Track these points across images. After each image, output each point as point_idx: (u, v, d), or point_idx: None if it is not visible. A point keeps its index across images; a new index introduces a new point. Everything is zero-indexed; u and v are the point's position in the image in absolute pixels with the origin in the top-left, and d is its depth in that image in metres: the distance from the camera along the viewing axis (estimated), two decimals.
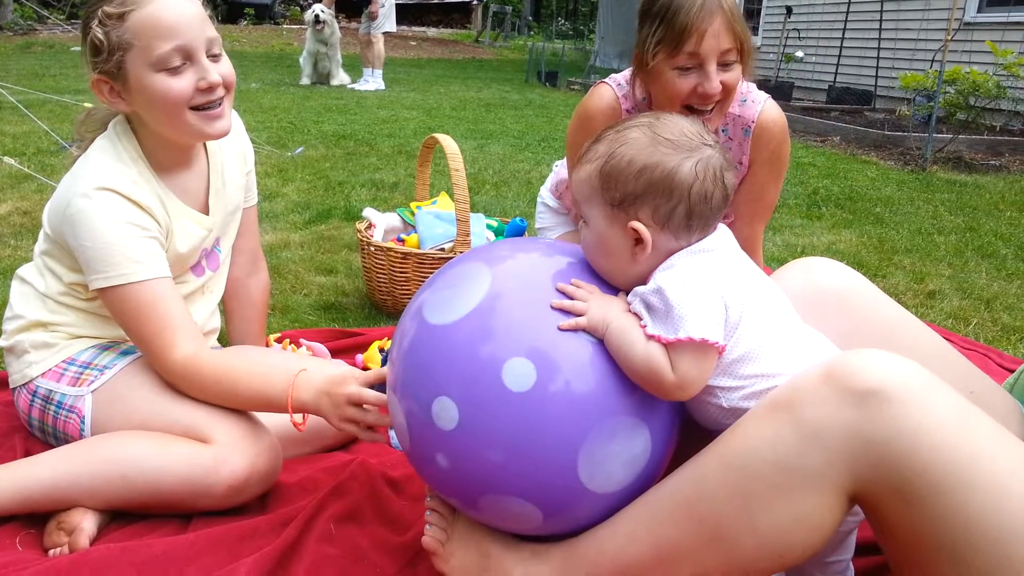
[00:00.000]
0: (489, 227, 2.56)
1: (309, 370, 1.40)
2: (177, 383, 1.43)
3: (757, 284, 1.14)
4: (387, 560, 1.35)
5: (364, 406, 1.33)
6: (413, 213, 2.53)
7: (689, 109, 1.72)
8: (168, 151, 1.51)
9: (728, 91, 1.70)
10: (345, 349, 2.12)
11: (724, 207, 1.12)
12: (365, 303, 2.55)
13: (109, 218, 1.39)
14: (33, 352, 1.52)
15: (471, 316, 1.09)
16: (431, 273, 2.27)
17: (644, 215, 1.09)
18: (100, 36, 1.37)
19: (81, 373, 1.49)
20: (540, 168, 4.92)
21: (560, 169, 2.26)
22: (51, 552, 1.34)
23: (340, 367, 1.58)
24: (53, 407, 1.49)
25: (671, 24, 1.66)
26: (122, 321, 1.44)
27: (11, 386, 1.58)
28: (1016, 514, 0.86)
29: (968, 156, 5.94)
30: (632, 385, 1.07)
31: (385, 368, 1.31)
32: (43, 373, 1.51)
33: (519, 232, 2.46)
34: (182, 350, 1.40)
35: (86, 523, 1.35)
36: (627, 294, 1.12)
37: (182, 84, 1.39)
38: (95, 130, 1.54)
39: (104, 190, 1.40)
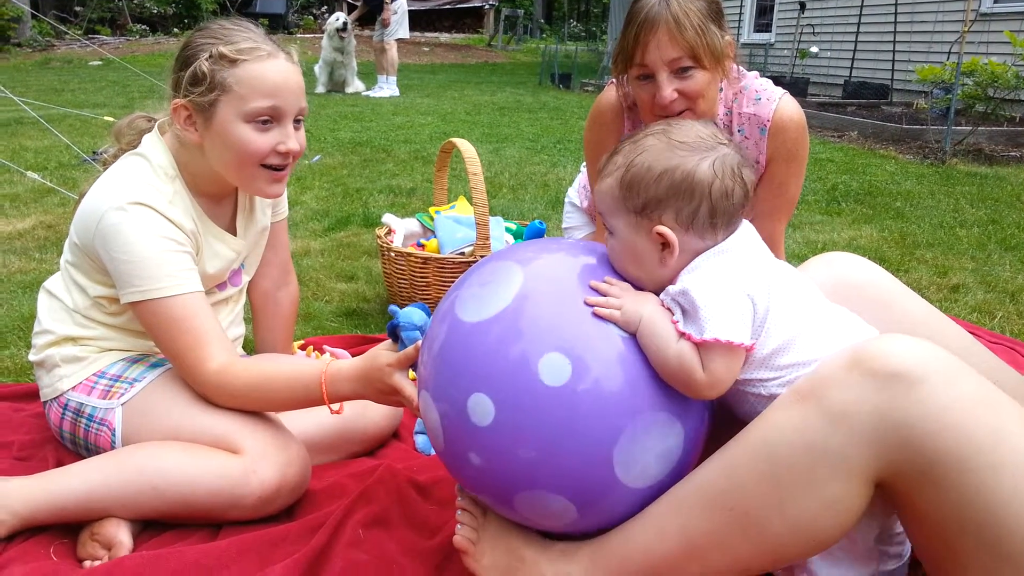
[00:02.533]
0: (508, 231, 2.57)
1: (337, 363, 1.41)
2: (212, 394, 1.44)
3: (783, 275, 1.14)
4: (416, 564, 1.36)
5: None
6: (432, 218, 2.54)
7: (663, 118, 1.74)
8: (213, 183, 1.55)
9: (691, 98, 1.69)
10: None
11: (746, 202, 1.13)
12: (386, 308, 2.56)
13: (144, 232, 1.41)
14: (64, 366, 1.54)
15: (505, 313, 1.10)
16: (451, 277, 2.30)
17: (668, 219, 1.10)
18: (205, 70, 1.42)
19: (111, 386, 1.51)
20: (556, 170, 4.92)
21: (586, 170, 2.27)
22: (86, 564, 1.35)
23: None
24: (84, 420, 1.51)
25: (625, 36, 1.70)
26: (155, 334, 1.45)
27: (42, 399, 1.60)
28: None
29: (988, 148, 5.88)
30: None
31: (417, 346, 1.31)
32: (74, 387, 1.52)
33: (538, 235, 2.46)
34: (215, 362, 1.42)
35: (123, 536, 1.36)
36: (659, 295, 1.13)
37: (264, 141, 1.45)
38: (132, 138, 1.57)
39: (139, 205, 1.42)
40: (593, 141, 2.00)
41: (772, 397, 1.07)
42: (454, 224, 2.42)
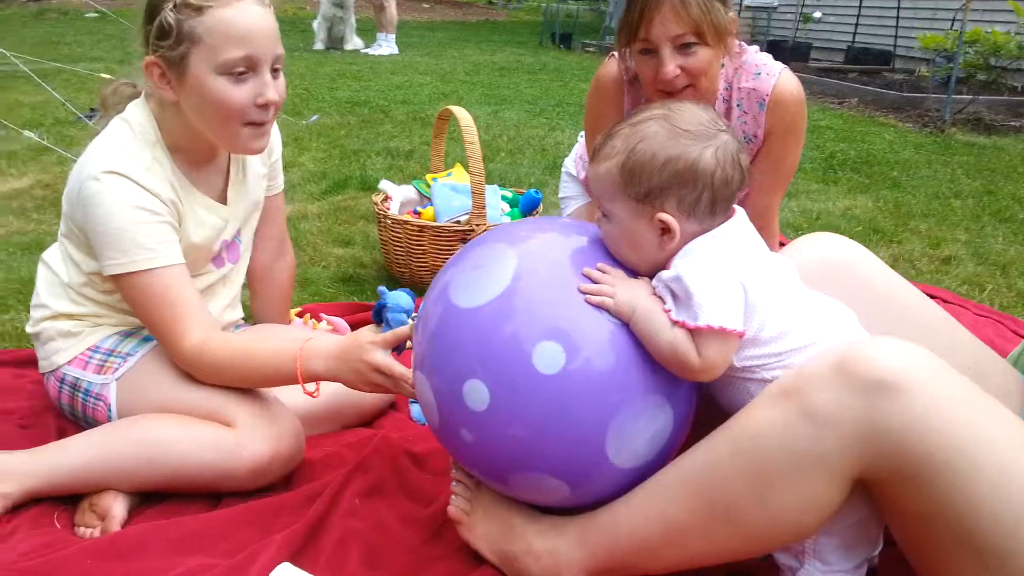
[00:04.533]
0: (504, 199, 2.58)
1: (316, 339, 1.41)
2: (189, 369, 1.45)
3: (771, 262, 1.16)
4: (412, 532, 1.40)
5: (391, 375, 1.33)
6: (429, 185, 2.54)
7: (665, 93, 1.74)
8: (196, 143, 1.51)
9: (694, 75, 1.70)
10: (365, 322, 2.15)
11: (743, 187, 1.15)
12: (383, 274, 2.58)
13: (118, 203, 1.38)
14: (59, 340, 1.55)
15: (499, 299, 1.12)
16: (447, 246, 2.31)
17: (670, 206, 1.11)
18: (171, 21, 1.36)
19: (105, 361, 1.53)
20: (555, 134, 4.90)
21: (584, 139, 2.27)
22: (80, 530, 1.39)
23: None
24: (81, 394, 1.54)
25: (629, 10, 1.69)
26: (134, 308, 1.46)
27: (40, 371, 1.62)
28: (1015, 493, 0.89)
29: (988, 117, 5.86)
30: (656, 364, 1.11)
31: (403, 329, 1.34)
32: (69, 361, 1.54)
33: (534, 204, 2.47)
34: (193, 337, 1.42)
35: (117, 508, 1.39)
36: (651, 278, 1.15)
37: (241, 94, 1.40)
38: (118, 105, 1.53)
39: (113, 174, 1.39)
40: (593, 114, 2.00)
41: (763, 381, 1.10)
42: (451, 192, 2.42)
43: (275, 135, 1.73)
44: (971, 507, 0.90)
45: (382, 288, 1.39)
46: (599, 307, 1.10)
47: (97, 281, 1.51)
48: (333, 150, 4.30)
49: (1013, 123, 5.75)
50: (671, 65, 1.68)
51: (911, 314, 1.29)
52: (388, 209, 2.48)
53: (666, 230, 1.12)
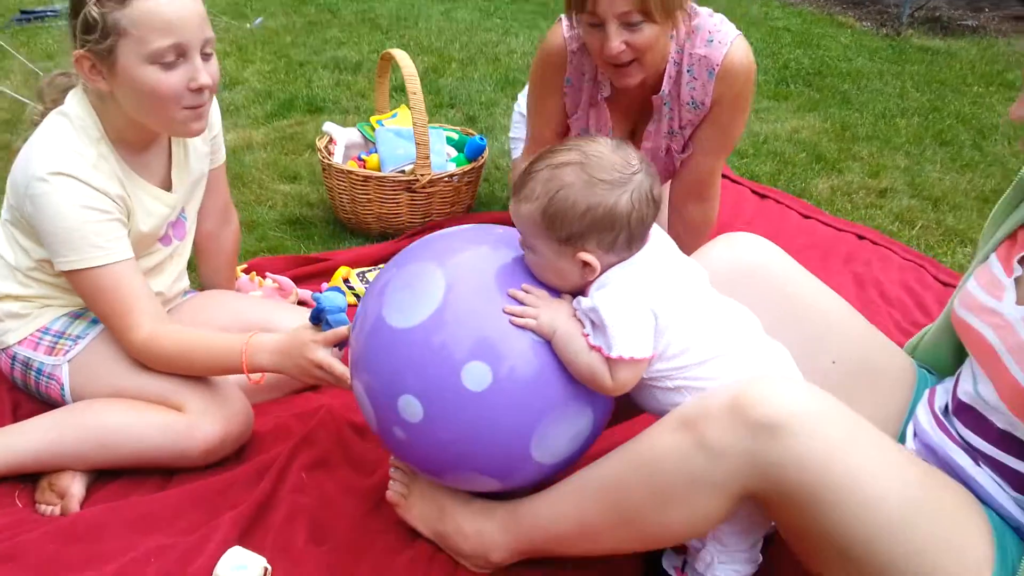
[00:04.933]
0: (449, 140, 2.58)
1: (259, 336, 1.49)
2: (140, 359, 1.52)
3: (681, 279, 1.24)
4: (355, 504, 1.51)
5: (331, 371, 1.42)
6: (374, 129, 2.53)
7: (612, 65, 1.75)
8: (137, 131, 1.51)
9: (640, 50, 1.71)
10: (309, 276, 2.20)
11: (656, 215, 1.21)
12: (329, 216, 2.60)
13: (67, 204, 1.41)
14: (7, 321, 1.59)
15: (430, 320, 1.19)
16: (392, 194, 2.33)
17: (590, 246, 1.17)
18: (95, 15, 1.35)
19: (56, 342, 1.58)
20: (508, 40, 4.79)
21: None
22: (41, 508, 1.48)
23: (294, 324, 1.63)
24: (34, 373, 1.59)
25: None
26: (87, 301, 1.51)
27: None
28: (882, 522, 1.01)
29: (947, 14, 5.82)
30: None
31: (342, 329, 1.41)
32: (19, 341, 1.59)
33: (478, 151, 2.48)
34: (143, 331, 1.48)
35: (75, 488, 1.48)
36: (572, 297, 1.22)
37: (172, 81, 1.40)
38: (55, 97, 1.53)
39: (61, 175, 1.41)
40: (538, 81, 2.01)
41: (666, 389, 1.21)
42: (395, 138, 2.42)
43: (214, 110, 1.72)
44: (846, 532, 1.02)
45: (316, 294, 1.44)
46: (523, 328, 1.18)
47: (47, 267, 1.54)
48: (278, 62, 4.18)
49: (970, 22, 5.73)
50: (616, 41, 1.69)
51: (814, 313, 1.38)
52: (332, 155, 2.48)
53: (587, 265, 1.18)
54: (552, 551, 1.28)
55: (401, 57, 2.31)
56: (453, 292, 1.20)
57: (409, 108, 2.26)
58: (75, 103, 1.49)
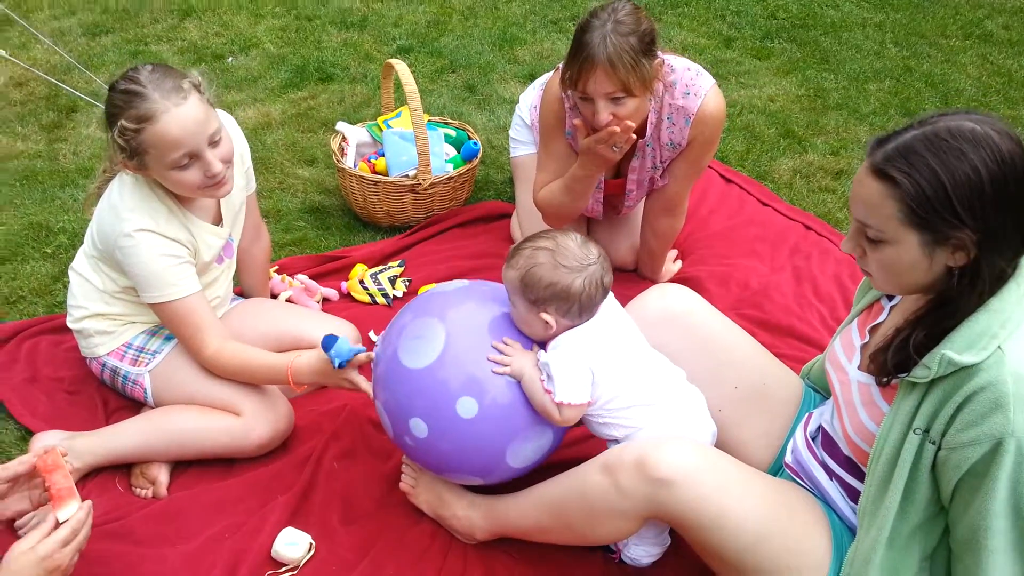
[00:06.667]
0: (448, 138, 2.91)
1: (301, 357, 1.91)
2: (208, 369, 1.96)
3: (619, 343, 1.66)
4: (376, 487, 1.97)
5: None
6: (381, 130, 2.86)
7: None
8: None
9: (624, 118, 2.03)
10: (328, 274, 2.63)
11: (604, 297, 1.63)
12: (344, 207, 2.95)
13: (150, 254, 1.82)
14: (97, 336, 2.02)
15: (434, 364, 1.64)
16: (398, 196, 2.70)
17: (551, 310, 1.61)
18: (122, 143, 1.74)
19: (138, 356, 2.01)
20: None
21: (541, 90, 2.44)
22: (136, 490, 1.95)
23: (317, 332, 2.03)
24: (120, 379, 2.03)
25: (570, 64, 2.01)
26: (167, 325, 1.95)
27: (82, 353, 2.09)
28: (746, 539, 1.47)
29: None
30: None
31: (361, 357, 1.84)
32: (108, 353, 2.02)
33: (472, 155, 2.83)
34: (210, 349, 1.91)
35: (162, 476, 1.95)
36: (539, 346, 1.67)
37: (191, 177, 1.78)
38: (107, 179, 1.93)
39: (144, 231, 1.81)
40: (544, 125, 2.34)
41: (601, 423, 1.68)
42: (400, 142, 2.76)
43: (242, 142, 2.08)
44: (720, 547, 1.48)
45: (325, 339, 1.82)
46: (501, 373, 1.63)
47: (131, 291, 1.96)
48: (288, 16, 4.40)
49: None
50: (604, 114, 2.03)
51: (722, 349, 1.81)
52: (345, 155, 2.83)
53: (547, 323, 1.61)
54: (520, 536, 1.77)
55: (401, 69, 2.61)
56: (451, 343, 1.64)
57: (411, 110, 2.56)
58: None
